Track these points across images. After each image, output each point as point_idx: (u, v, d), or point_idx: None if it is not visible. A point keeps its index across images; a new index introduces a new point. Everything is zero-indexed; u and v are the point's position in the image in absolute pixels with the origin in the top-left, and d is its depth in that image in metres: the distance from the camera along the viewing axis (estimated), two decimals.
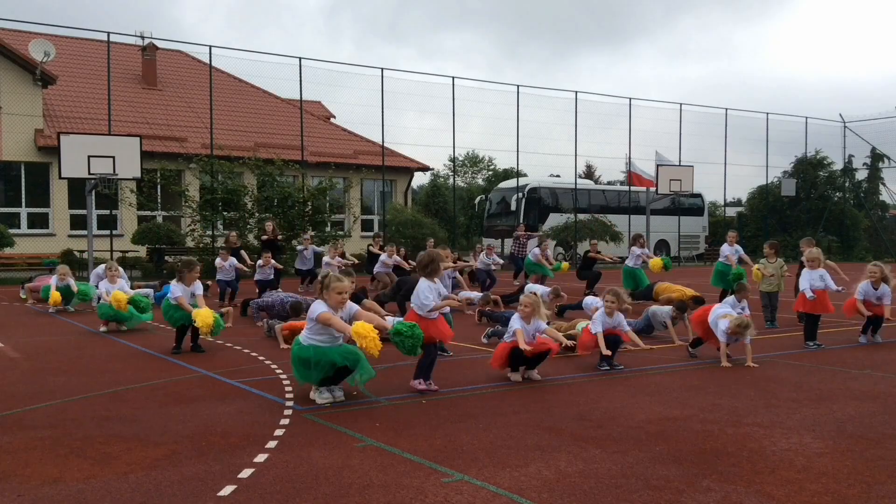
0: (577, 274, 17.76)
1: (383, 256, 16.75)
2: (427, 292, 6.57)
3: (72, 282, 13.59)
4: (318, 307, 6.08)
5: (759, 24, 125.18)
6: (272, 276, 14.71)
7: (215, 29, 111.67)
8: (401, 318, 10.05)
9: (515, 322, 7.15)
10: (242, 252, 16.35)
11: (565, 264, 18.75)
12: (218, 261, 14.90)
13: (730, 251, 13.60)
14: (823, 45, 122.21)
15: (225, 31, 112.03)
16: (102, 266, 12.94)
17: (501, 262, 18.65)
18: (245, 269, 15.04)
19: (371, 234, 25.32)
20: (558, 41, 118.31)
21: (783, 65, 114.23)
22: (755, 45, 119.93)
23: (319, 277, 6.41)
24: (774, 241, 12.47)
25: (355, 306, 6.28)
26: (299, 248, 18.01)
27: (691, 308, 12.72)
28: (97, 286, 12.93)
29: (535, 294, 7.68)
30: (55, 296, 13.24)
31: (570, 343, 7.69)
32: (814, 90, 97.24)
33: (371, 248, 19.15)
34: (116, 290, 10.89)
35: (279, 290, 13.09)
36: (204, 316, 8.37)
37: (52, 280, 13.64)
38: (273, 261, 14.91)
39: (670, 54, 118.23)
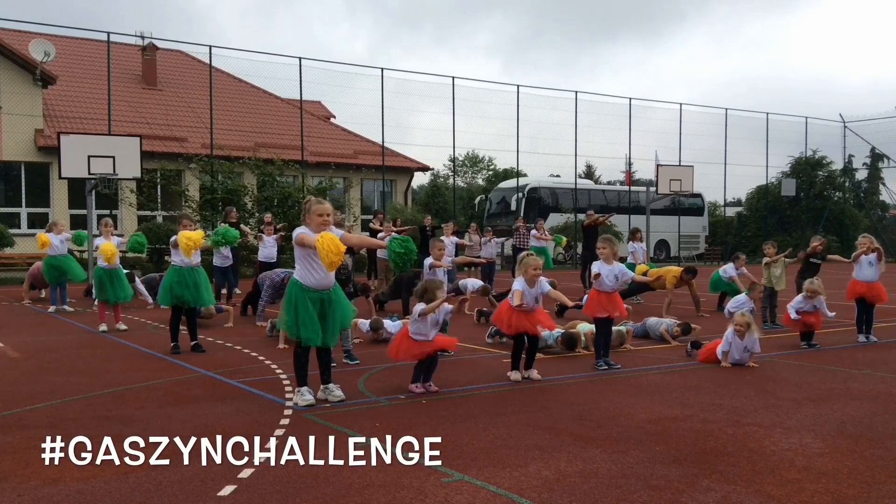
0: (582, 248, 17.56)
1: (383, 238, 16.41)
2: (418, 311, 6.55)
3: (67, 234, 13.76)
4: (299, 230, 6.01)
5: (779, 20, 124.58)
6: (275, 249, 14.84)
7: (229, 14, 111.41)
8: (400, 320, 10.15)
9: (518, 284, 7.14)
10: (243, 226, 16.29)
11: (564, 239, 19.43)
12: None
13: (737, 275, 12.35)
14: (824, 44, 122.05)
15: (242, 15, 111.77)
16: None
17: (502, 240, 20.03)
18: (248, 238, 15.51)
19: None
20: (578, 32, 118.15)
21: (793, 62, 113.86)
22: (773, 41, 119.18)
23: (304, 203, 6.40)
24: (773, 242, 12.20)
25: (341, 231, 6.16)
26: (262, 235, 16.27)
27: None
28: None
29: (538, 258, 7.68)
30: (42, 237, 13.24)
31: (573, 303, 7.64)
32: (812, 90, 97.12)
33: (372, 225, 19.26)
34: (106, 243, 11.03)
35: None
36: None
37: (48, 235, 13.53)
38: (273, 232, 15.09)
39: (697, 47, 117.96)
